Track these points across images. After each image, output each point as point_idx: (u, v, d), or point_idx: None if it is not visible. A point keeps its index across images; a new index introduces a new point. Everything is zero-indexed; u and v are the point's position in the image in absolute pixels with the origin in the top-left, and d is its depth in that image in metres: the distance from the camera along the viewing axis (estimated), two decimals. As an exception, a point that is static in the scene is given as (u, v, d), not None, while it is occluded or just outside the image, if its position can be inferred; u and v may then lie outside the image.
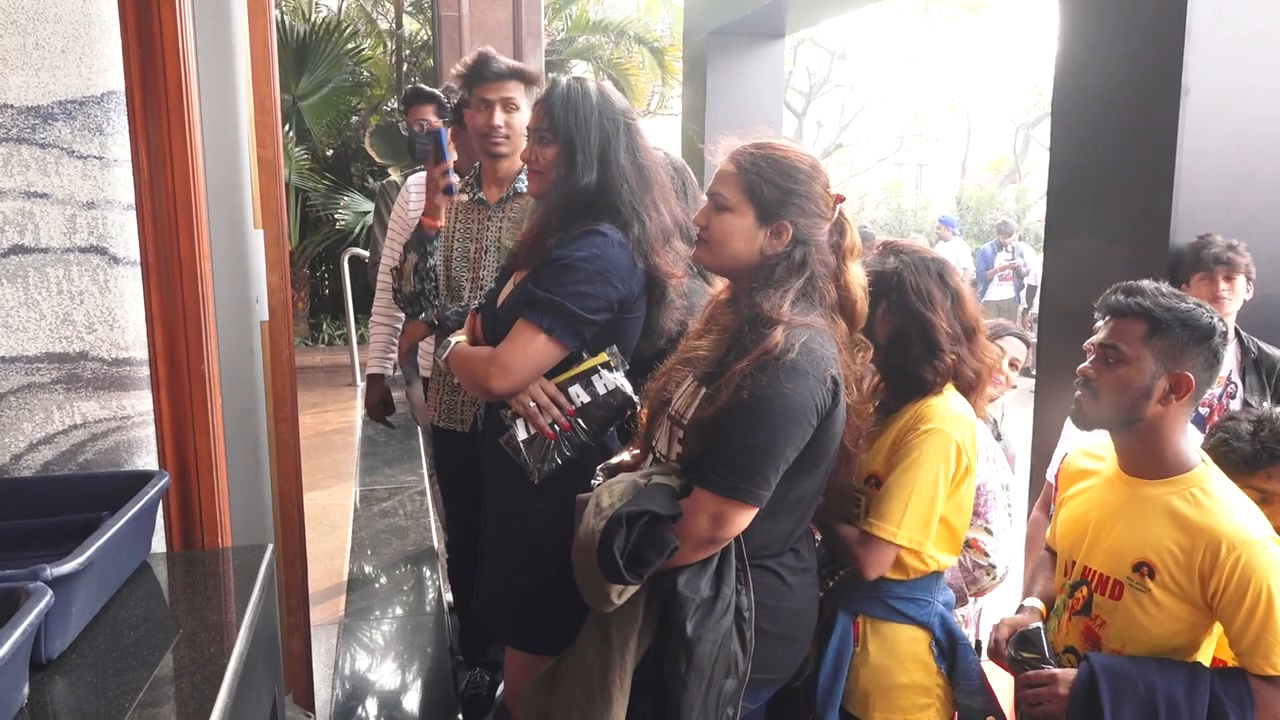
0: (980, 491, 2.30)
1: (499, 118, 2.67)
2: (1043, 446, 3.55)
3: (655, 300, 2.12)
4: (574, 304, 1.96)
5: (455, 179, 2.61)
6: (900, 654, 1.95)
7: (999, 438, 2.90)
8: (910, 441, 1.88)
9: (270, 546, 1.66)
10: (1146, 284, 1.80)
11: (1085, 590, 1.88)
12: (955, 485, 1.89)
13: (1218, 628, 1.77)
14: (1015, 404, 4.77)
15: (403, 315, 3.11)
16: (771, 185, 1.77)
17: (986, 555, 2.28)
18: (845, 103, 21.94)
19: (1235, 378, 3.10)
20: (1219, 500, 1.72)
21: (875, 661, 1.96)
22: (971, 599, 2.41)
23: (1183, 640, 1.76)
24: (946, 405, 1.90)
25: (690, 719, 1.71)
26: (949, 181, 22.11)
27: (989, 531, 2.29)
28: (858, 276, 1.84)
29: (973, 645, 2.55)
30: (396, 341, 3.38)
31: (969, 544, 2.27)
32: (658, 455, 1.88)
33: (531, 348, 1.99)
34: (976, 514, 2.29)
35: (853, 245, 1.83)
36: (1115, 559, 1.81)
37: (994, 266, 11.07)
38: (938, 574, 1.97)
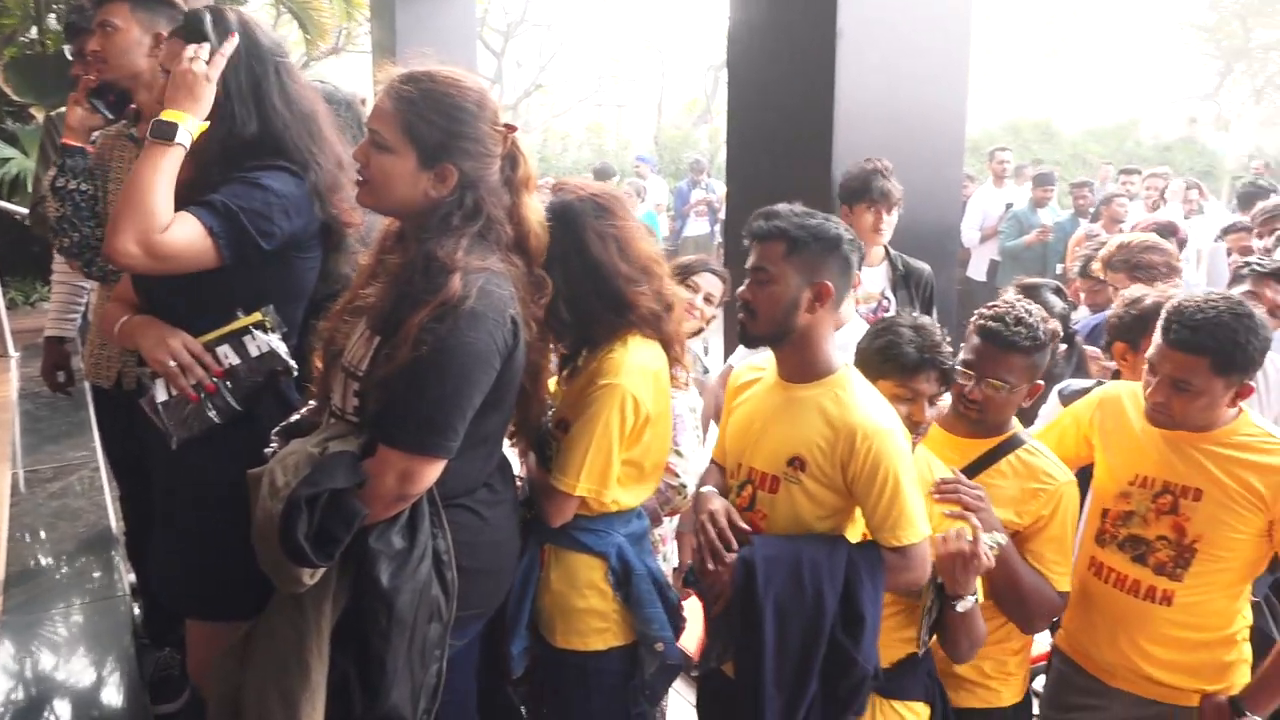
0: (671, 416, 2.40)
1: (93, 43, 2.42)
2: (733, 370, 3.76)
3: (332, 246, 2.01)
4: (246, 219, 1.81)
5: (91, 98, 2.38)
6: (577, 581, 2.02)
7: (705, 371, 3.05)
8: (589, 394, 1.92)
9: None
10: (782, 207, 1.93)
11: (750, 489, 2.02)
12: (636, 434, 1.96)
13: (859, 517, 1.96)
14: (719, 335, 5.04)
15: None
16: (433, 126, 1.69)
17: (677, 476, 2.39)
18: (543, 42, 21.93)
19: (889, 293, 3.42)
20: (857, 397, 1.90)
21: (556, 587, 2.03)
22: (666, 518, 2.53)
23: (829, 525, 1.94)
24: (626, 357, 1.94)
25: (396, 671, 1.68)
26: (647, 122, 22.72)
27: (679, 453, 2.40)
28: (534, 210, 1.82)
29: (670, 564, 2.70)
30: (80, 301, 3.09)
31: (661, 467, 2.37)
32: (333, 409, 1.79)
33: (192, 244, 1.77)
34: (668, 437, 2.39)
35: (526, 176, 1.80)
36: (773, 456, 1.96)
37: (690, 203, 11.55)
38: (625, 510, 2.04)
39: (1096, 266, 3.51)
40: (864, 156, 3.33)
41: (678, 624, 2.07)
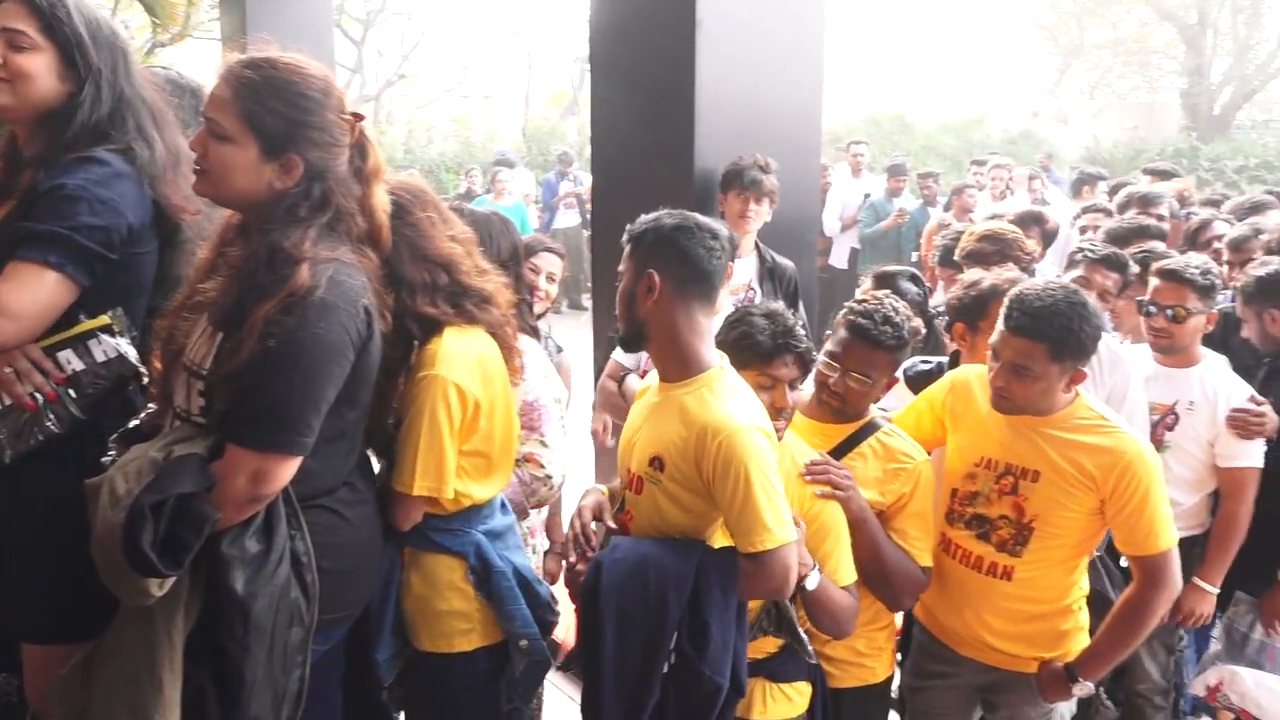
0: (534, 406, 2.40)
1: None
2: (603, 361, 3.77)
3: (166, 241, 1.91)
4: (83, 237, 1.72)
5: None
6: (438, 583, 1.99)
7: (560, 350, 3.05)
8: (411, 391, 1.88)
9: None
10: (644, 216, 1.95)
11: (624, 490, 2.04)
12: (469, 424, 1.92)
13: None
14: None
15: None
16: (276, 115, 1.64)
17: (543, 467, 2.37)
18: (405, 32, 21.42)
19: (755, 284, 3.50)
20: (718, 395, 1.87)
21: (417, 591, 2.00)
22: (534, 510, 2.51)
23: (690, 527, 1.92)
24: (441, 347, 1.89)
25: (255, 680, 1.63)
26: (514, 114, 22.50)
27: (544, 444, 2.39)
28: (383, 201, 1.78)
29: (539, 556, 2.69)
30: None
31: (526, 458, 2.36)
32: (177, 411, 1.71)
33: (43, 288, 1.70)
34: (532, 429, 2.38)
35: (376, 167, 1.77)
36: (640, 457, 1.96)
37: (558, 195, 11.50)
38: (480, 505, 2.01)
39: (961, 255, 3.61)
40: (725, 149, 3.40)
41: (549, 619, 2.06)
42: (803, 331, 2.12)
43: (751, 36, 3.55)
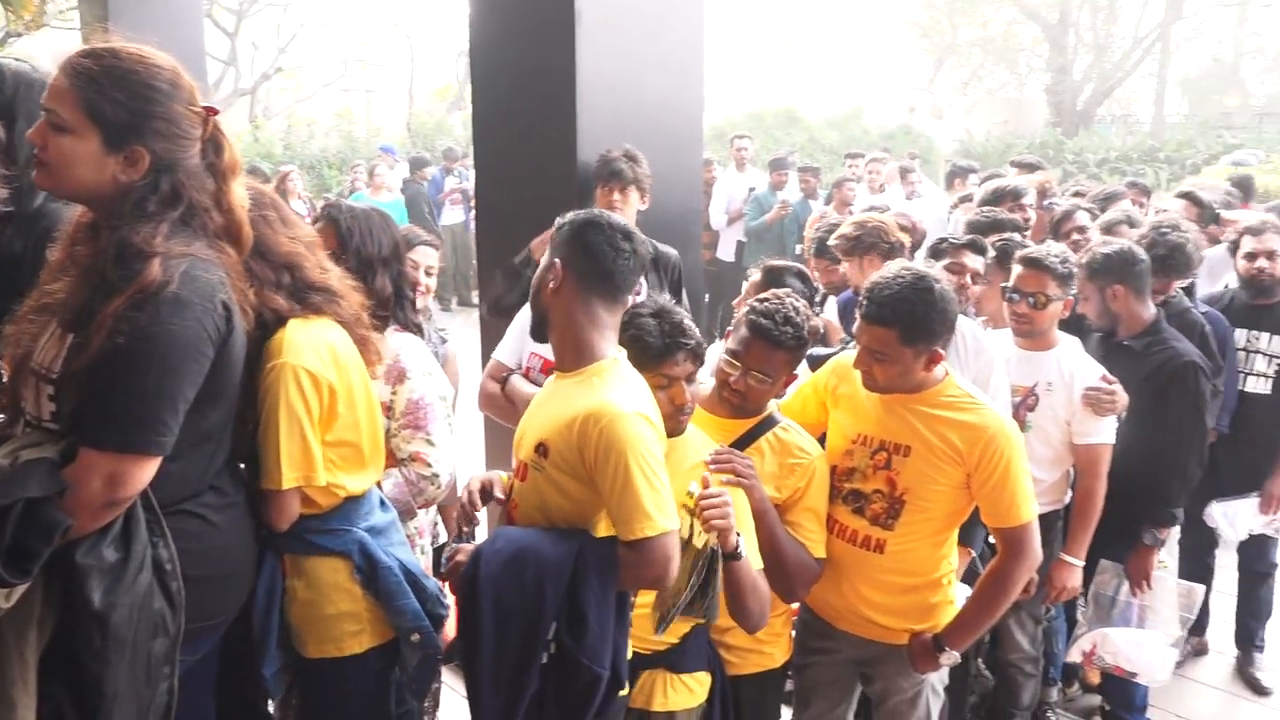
0: (419, 405, 2.37)
1: None
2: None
3: None
4: None
5: None
6: (323, 586, 1.93)
7: (444, 341, 3.01)
8: (263, 386, 1.80)
9: None
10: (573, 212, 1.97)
11: (512, 479, 2.03)
12: (328, 411, 1.86)
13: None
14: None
15: None
16: (118, 105, 1.58)
17: (430, 466, 2.34)
18: (281, 23, 20.74)
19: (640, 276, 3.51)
20: (607, 383, 1.86)
21: (302, 597, 1.93)
22: (421, 510, 2.47)
23: (574, 515, 1.90)
24: (285, 336, 1.82)
25: (115, 694, 1.56)
26: (399, 108, 22.08)
27: (430, 443, 2.36)
28: (240, 197, 1.73)
29: (427, 557, 2.65)
30: None
31: (412, 457, 2.33)
32: (29, 419, 1.63)
33: None
34: (418, 427, 2.35)
35: (232, 163, 1.72)
36: (527, 445, 1.95)
37: (444, 191, 11.33)
38: (357, 499, 1.96)
39: (834, 242, 3.67)
40: (606, 142, 3.40)
41: (438, 612, 2.02)
42: (692, 325, 2.13)
43: (631, 29, 3.56)
